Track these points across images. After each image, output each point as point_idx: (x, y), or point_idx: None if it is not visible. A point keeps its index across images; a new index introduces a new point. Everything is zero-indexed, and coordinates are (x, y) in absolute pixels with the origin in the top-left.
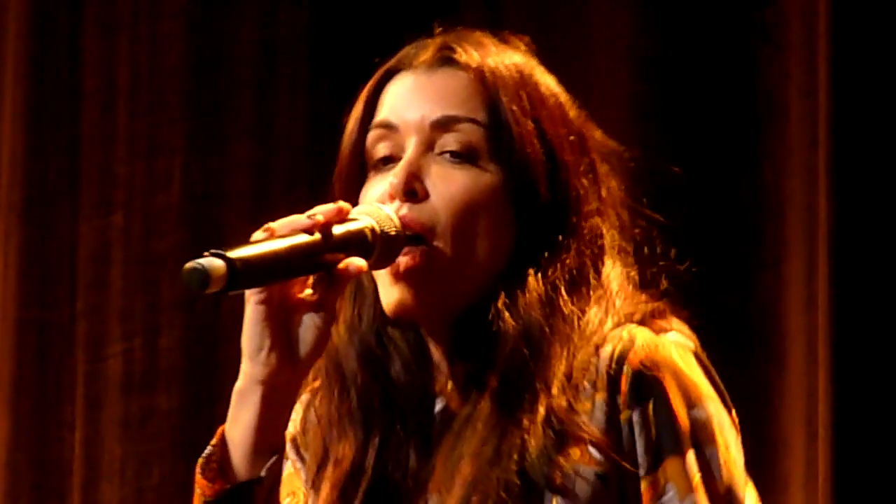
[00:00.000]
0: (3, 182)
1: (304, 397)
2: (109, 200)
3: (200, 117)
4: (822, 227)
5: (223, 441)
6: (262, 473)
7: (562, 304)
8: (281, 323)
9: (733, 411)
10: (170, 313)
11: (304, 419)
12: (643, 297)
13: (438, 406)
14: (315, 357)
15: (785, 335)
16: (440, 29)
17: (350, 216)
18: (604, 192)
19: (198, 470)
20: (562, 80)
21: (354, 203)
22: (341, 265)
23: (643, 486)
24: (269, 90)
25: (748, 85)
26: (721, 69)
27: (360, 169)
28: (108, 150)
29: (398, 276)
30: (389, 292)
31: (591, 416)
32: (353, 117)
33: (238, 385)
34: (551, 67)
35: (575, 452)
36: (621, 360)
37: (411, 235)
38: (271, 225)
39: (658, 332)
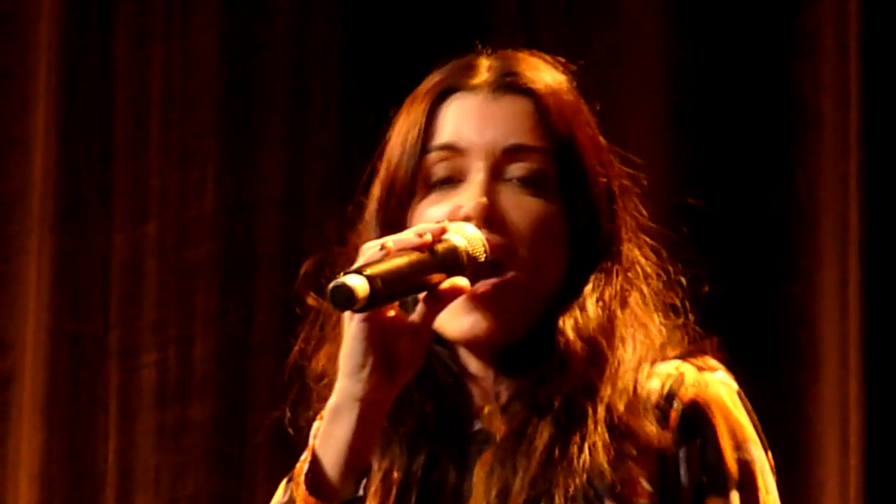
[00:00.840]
0: (36, 193)
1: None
2: (142, 211)
3: (233, 128)
4: (854, 236)
5: (315, 458)
6: (360, 493)
7: (619, 326)
8: (380, 341)
9: (769, 452)
10: (203, 323)
11: None
12: (684, 327)
13: (477, 426)
14: (408, 377)
15: (818, 344)
16: (488, 49)
17: (446, 236)
18: (629, 217)
19: (301, 483)
20: (596, 93)
21: (403, 221)
22: (445, 285)
23: None
24: (300, 101)
25: (781, 94)
26: (754, 78)
27: (414, 186)
28: (141, 160)
29: (476, 302)
30: (463, 317)
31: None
32: (407, 134)
33: (332, 402)
34: (585, 80)
35: (630, 482)
36: (671, 395)
37: (494, 261)
38: (386, 242)
39: (704, 369)
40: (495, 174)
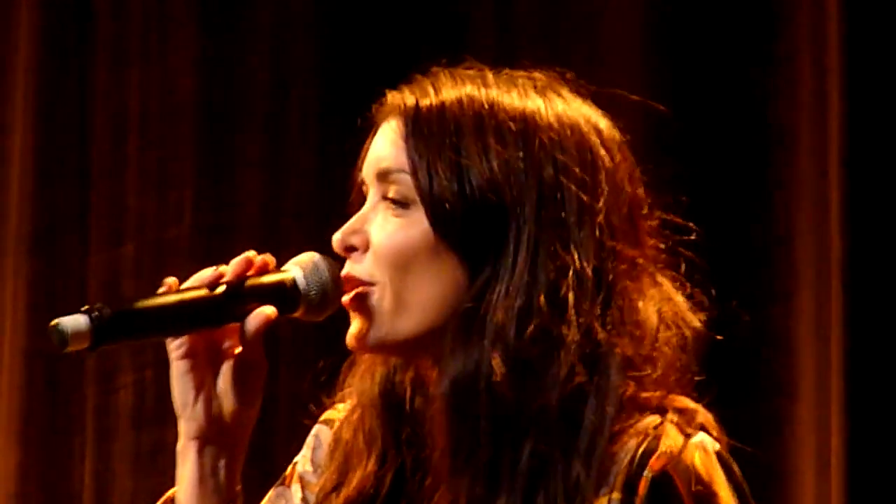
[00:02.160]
0: (12, 214)
1: (318, 430)
2: (120, 232)
3: (210, 149)
4: (834, 258)
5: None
6: None
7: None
8: (208, 376)
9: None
10: None
11: (315, 453)
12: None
13: None
14: (249, 408)
15: (796, 367)
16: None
17: (284, 268)
18: (591, 226)
19: None
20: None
21: None
22: (250, 315)
23: None
24: (279, 122)
25: (758, 116)
26: (730, 100)
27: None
28: (119, 181)
29: (351, 314)
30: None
31: None
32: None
33: (178, 444)
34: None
35: None
36: (643, 461)
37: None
38: (169, 280)
39: (683, 427)
40: (381, 196)
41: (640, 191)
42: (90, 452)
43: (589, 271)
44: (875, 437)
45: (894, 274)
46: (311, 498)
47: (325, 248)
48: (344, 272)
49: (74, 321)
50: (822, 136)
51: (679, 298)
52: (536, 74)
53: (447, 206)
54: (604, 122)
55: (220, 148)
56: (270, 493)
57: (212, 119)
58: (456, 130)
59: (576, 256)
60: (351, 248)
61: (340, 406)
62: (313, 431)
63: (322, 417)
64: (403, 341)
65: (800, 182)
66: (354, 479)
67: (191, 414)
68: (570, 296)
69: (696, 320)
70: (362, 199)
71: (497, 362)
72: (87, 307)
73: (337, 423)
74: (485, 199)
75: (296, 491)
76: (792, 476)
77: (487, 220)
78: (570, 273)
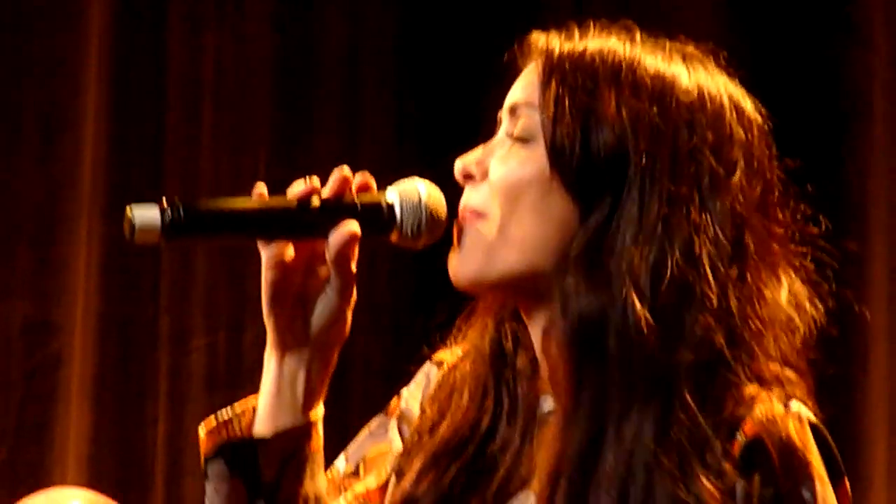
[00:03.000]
0: (86, 177)
1: (428, 369)
2: (194, 196)
3: (286, 113)
4: None
5: (251, 409)
6: (268, 435)
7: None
8: (295, 293)
9: (846, 479)
10: (254, 307)
11: (423, 391)
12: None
13: (546, 406)
14: (329, 333)
15: (868, 334)
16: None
17: (386, 192)
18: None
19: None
20: None
21: None
22: (334, 231)
23: None
24: (354, 86)
25: (832, 84)
26: (805, 68)
27: None
28: (193, 146)
29: (454, 249)
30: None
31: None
32: None
33: (265, 353)
34: None
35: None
36: (738, 425)
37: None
38: (258, 186)
39: (781, 396)
40: (508, 133)
41: (774, 176)
42: (163, 415)
43: (724, 238)
44: None
45: None
46: (407, 433)
47: None
48: (461, 202)
49: (147, 212)
50: (895, 103)
51: (801, 287)
52: (689, 47)
53: (568, 142)
54: (746, 102)
55: (296, 112)
56: (373, 420)
57: (287, 84)
58: (592, 75)
59: (710, 220)
60: (469, 176)
61: (454, 350)
62: (424, 369)
63: (435, 358)
64: (500, 278)
65: (873, 150)
66: (451, 422)
67: (274, 325)
68: (706, 257)
69: (814, 311)
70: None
71: (636, 304)
72: (164, 200)
73: (447, 367)
74: (609, 144)
75: (394, 424)
76: (864, 442)
77: (609, 166)
78: (707, 235)
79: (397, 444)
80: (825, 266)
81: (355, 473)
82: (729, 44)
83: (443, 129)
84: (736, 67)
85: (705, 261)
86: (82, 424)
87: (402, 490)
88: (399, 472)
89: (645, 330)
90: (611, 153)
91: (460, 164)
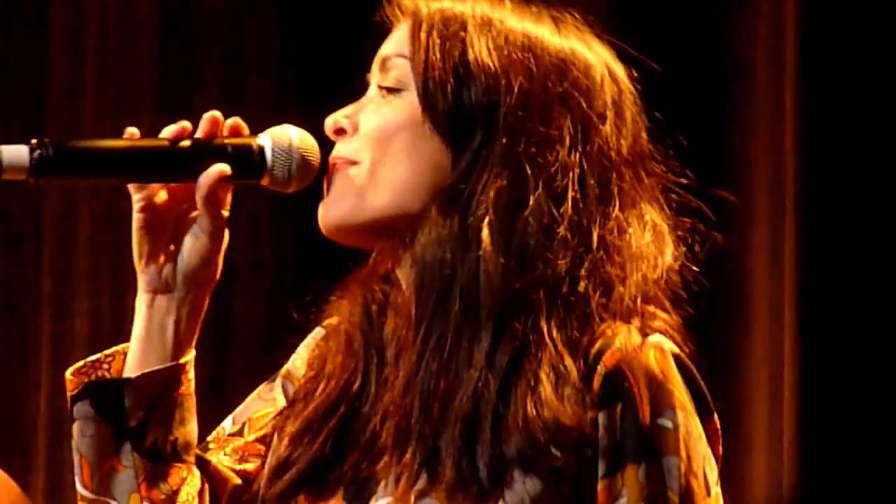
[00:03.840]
0: None
1: (317, 332)
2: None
3: (169, 73)
4: (789, 191)
5: (122, 353)
6: (131, 376)
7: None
8: (167, 233)
9: (714, 416)
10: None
11: (310, 353)
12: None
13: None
14: (199, 275)
15: (750, 299)
16: None
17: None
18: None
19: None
20: None
21: None
22: (205, 171)
23: (600, 487)
24: (237, 46)
25: (714, 47)
26: (687, 31)
27: None
28: (76, 107)
29: (325, 197)
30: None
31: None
32: None
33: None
34: None
35: (539, 444)
36: (597, 357)
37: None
38: (129, 129)
39: (642, 328)
40: (378, 85)
41: (643, 132)
42: (45, 380)
43: (591, 179)
44: (828, 370)
45: (848, 205)
46: (291, 392)
47: None
48: (331, 154)
49: (15, 150)
50: (778, 67)
51: (668, 233)
52: (560, 12)
53: (440, 85)
54: (618, 65)
55: (179, 73)
56: (263, 385)
57: (169, 44)
58: (462, 25)
59: (579, 161)
60: (340, 131)
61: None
62: (313, 333)
63: (324, 322)
64: (371, 221)
65: (755, 114)
66: (324, 387)
67: (144, 266)
68: (570, 197)
69: (678, 253)
70: None
71: (485, 235)
72: (34, 140)
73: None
74: (480, 87)
75: (279, 383)
76: (744, 407)
77: (480, 109)
78: (574, 175)
79: (280, 402)
80: (704, 219)
81: (239, 433)
82: (615, 8)
83: (324, 88)
84: (618, 30)
85: (568, 200)
86: None
87: (277, 455)
88: (280, 431)
89: (492, 264)
90: (482, 96)
91: (331, 121)
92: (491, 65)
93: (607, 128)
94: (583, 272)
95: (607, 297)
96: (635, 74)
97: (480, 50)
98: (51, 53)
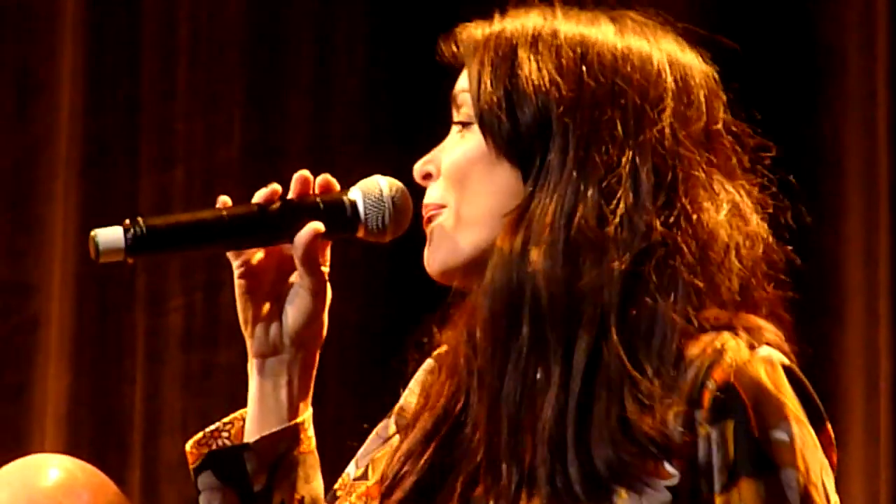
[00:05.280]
0: (62, 137)
1: (427, 364)
2: (169, 156)
3: (259, 72)
4: (882, 182)
5: (240, 419)
6: (250, 441)
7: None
8: (270, 296)
9: (828, 424)
10: (230, 267)
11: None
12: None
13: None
14: (307, 331)
15: (844, 290)
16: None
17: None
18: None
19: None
20: None
21: None
22: (299, 231)
23: (717, 503)
24: (327, 45)
25: (806, 38)
26: (778, 23)
27: None
28: (167, 105)
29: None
30: None
31: (668, 425)
32: None
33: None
34: None
35: (650, 461)
36: (707, 374)
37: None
38: (221, 198)
39: (750, 341)
40: (455, 123)
41: (720, 111)
42: (140, 375)
43: (644, 172)
44: None
45: None
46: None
47: (371, 171)
48: (423, 201)
49: (110, 233)
50: (870, 57)
51: (752, 215)
52: (622, 11)
53: (494, 111)
54: (686, 53)
55: (269, 71)
56: (381, 423)
57: (260, 42)
58: (510, 46)
59: (630, 155)
60: (427, 176)
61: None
62: (423, 365)
63: (434, 353)
64: (468, 261)
65: (847, 104)
66: (431, 410)
67: (250, 331)
68: (621, 192)
69: (767, 234)
70: None
71: (536, 253)
72: (128, 220)
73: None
74: (531, 104)
75: (393, 421)
76: (839, 399)
77: (536, 126)
78: (625, 170)
79: (396, 440)
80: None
81: (364, 476)
82: (708, 3)
83: (413, 87)
84: (710, 25)
85: (620, 197)
86: (60, 385)
87: (385, 476)
88: (390, 458)
89: (546, 279)
90: (536, 114)
91: (417, 167)
92: (540, 82)
93: (666, 116)
94: (649, 269)
95: (688, 295)
96: (717, 70)
97: (530, 69)
98: (143, 53)
